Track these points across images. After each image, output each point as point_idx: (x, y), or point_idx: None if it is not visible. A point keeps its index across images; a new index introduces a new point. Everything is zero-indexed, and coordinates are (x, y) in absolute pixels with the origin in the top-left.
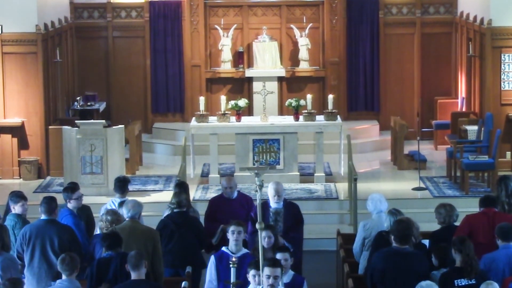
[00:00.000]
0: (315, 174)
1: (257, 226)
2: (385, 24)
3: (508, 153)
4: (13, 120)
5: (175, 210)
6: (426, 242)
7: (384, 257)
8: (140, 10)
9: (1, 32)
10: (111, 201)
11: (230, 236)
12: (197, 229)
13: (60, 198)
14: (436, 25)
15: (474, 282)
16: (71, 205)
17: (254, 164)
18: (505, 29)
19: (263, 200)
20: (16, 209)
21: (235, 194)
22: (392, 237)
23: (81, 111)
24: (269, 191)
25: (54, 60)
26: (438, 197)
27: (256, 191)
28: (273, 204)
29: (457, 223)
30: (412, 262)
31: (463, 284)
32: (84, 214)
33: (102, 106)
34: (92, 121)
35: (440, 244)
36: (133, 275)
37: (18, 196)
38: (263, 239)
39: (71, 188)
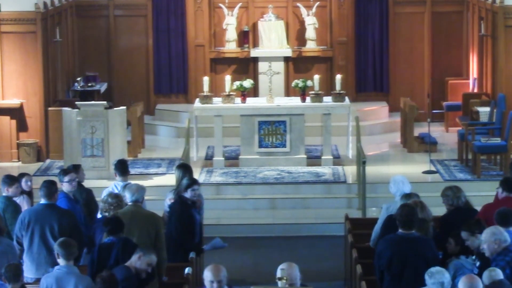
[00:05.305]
0: (323, 157)
1: None
2: (394, 2)
3: None
4: (12, 101)
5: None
6: None
7: (390, 244)
8: None
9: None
10: (113, 185)
11: None
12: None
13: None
14: (447, 4)
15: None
16: (65, 188)
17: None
18: None
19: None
20: (11, 191)
21: None
22: (397, 222)
23: (82, 92)
24: (278, 273)
25: (54, 39)
26: (449, 180)
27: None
28: None
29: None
30: (420, 248)
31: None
32: (83, 198)
33: (103, 87)
34: (93, 102)
35: (457, 231)
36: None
37: (11, 178)
38: None
39: (64, 171)
